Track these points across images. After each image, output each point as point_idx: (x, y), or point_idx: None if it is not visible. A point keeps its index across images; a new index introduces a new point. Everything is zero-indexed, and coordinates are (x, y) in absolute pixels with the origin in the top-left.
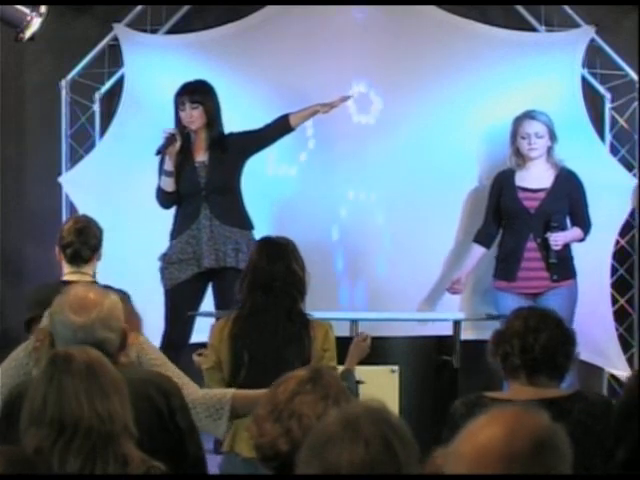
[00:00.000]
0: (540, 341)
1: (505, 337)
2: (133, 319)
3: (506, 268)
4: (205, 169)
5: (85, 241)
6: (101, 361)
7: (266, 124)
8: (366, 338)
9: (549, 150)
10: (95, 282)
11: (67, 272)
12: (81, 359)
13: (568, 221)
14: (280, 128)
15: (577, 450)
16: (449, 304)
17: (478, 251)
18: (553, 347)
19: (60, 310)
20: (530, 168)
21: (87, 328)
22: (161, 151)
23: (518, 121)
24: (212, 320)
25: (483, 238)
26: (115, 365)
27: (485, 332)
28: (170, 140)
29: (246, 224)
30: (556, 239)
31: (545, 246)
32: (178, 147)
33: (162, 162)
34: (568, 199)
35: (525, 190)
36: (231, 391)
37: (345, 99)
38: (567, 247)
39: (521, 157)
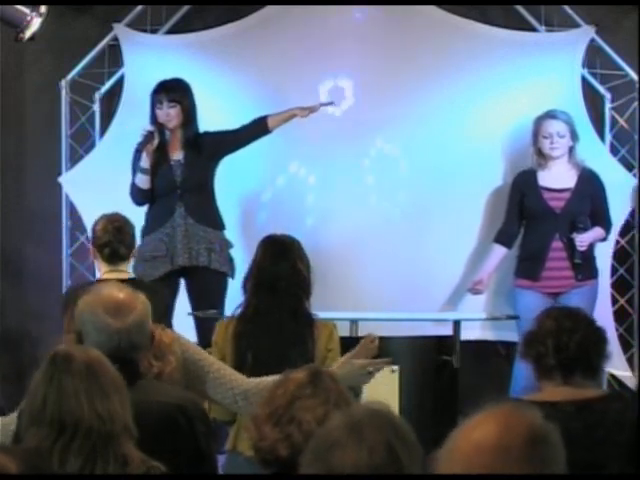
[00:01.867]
0: (575, 340)
1: (538, 337)
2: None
3: (530, 267)
4: (181, 167)
5: (122, 239)
6: (101, 360)
7: (243, 125)
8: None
9: (571, 150)
10: (135, 279)
11: (105, 271)
12: (81, 359)
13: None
14: (257, 129)
15: (615, 450)
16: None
17: (499, 251)
18: (587, 346)
19: (93, 311)
20: (552, 168)
21: (124, 333)
22: (140, 148)
23: (539, 121)
24: (191, 320)
25: (504, 238)
26: (142, 378)
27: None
28: (148, 138)
29: (219, 224)
30: (582, 240)
31: (570, 246)
32: (155, 145)
33: (137, 159)
34: (590, 199)
35: (550, 190)
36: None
37: (325, 104)
38: (591, 247)
39: (543, 157)
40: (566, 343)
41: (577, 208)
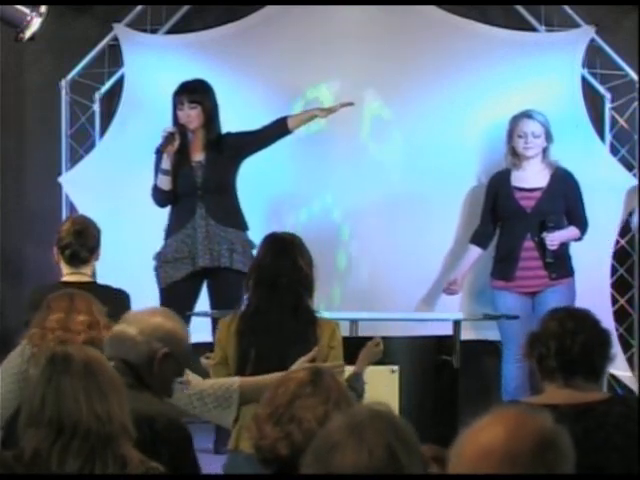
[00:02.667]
0: (577, 343)
1: (541, 338)
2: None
3: (504, 268)
4: (202, 169)
5: (83, 242)
6: (100, 360)
7: (264, 125)
8: (379, 343)
9: (545, 150)
10: (94, 282)
11: (66, 273)
12: (79, 358)
13: (565, 220)
14: (278, 130)
15: (616, 454)
16: (447, 304)
17: (474, 252)
18: (591, 348)
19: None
20: (526, 168)
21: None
22: (160, 150)
23: (515, 120)
24: (208, 320)
25: (480, 239)
26: (130, 387)
27: (483, 332)
28: (169, 139)
29: (241, 225)
30: (552, 239)
31: (542, 245)
32: (177, 146)
33: (159, 161)
34: (564, 198)
35: (521, 190)
36: (237, 379)
37: (346, 105)
38: (565, 246)
39: (517, 156)
40: (569, 345)
41: (548, 207)
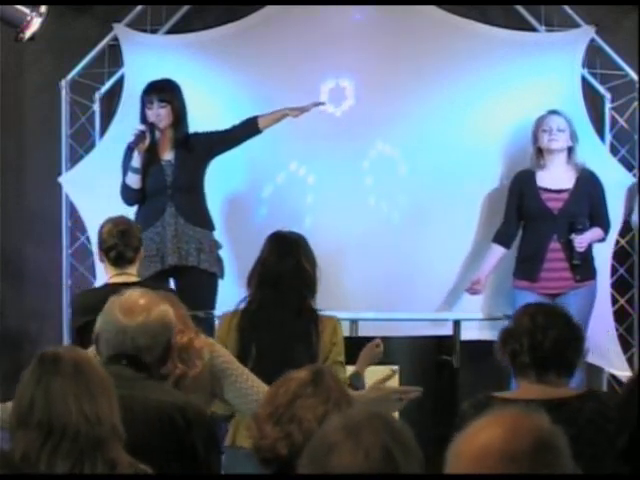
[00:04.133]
0: (549, 338)
1: (513, 335)
2: (188, 321)
3: (528, 268)
4: (171, 167)
5: (128, 243)
6: (89, 361)
7: (234, 125)
8: (379, 344)
9: (570, 151)
10: (140, 282)
11: (112, 275)
12: (69, 359)
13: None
14: (248, 130)
15: (589, 450)
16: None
17: (498, 251)
18: (562, 344)
19: (110, 311)
20: (551, 168)
21: (129, 331)
22: (131, 147)
23: (540, 118)
24: None
25: (503, 238)
26: (150, 379)
27: (485, 332)
28: (140, 137)
29: (209, 224)
30: (581, 241)
31: (569, 247)
32: (147, 144)
33: (127, 159)
34: (589, 200)
35: (548, 191)
36: None
37: (317, 104)
38: (589, 248)
39: (542, 156)
40: (540, 341)
41: (575, 209)
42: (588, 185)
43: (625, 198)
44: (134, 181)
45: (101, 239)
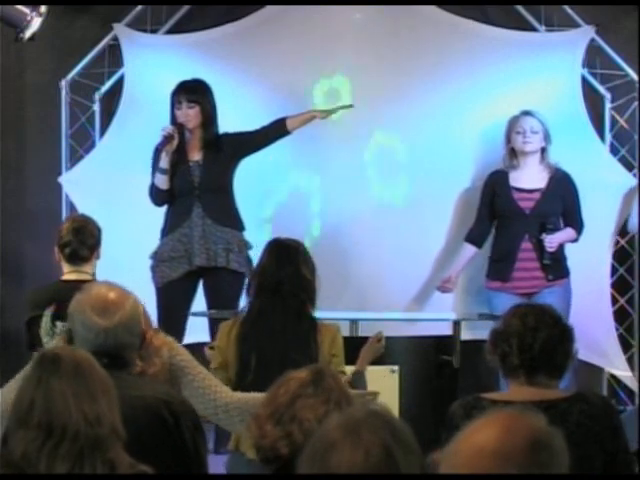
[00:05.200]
0: (539, 340)
1: (503, 336)
2: (147, 320)
3: (501, 268)
4: (199, 168)
5: (83, 240)
6: (89, 361)
7: (262, 126)
8: (381, 339)
9: (543, 151)
10: (94, 281)
11: (66, 271)
12: (69, 359)
13: (561, 221)
14: (276, 131)
15: (577, 452)
16: (440, 303)
17: (469, 250)
18: (552, 345)
19: (81, 310)
20: (524, 168)
21: (110, 332)
22: (159, 148)
23: (514, 119)
24: (205, 320)
25: (475, 237)
26: (128, 374)
27: (481, 332)
28: (168, 138)
29: (238, 225)
30: (551, 241)
31: (540, 247)
32: (175, 145)
33: (156, 160)
34: (562, 200)
35: (520, 190)
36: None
37: (345, 107)
38: (561, 247)
39: (514, 156)
40: (530, 343)
41: (547, 209)
42: (561, 185)
43: (625, 199)
44: (162, 182)
45: (59, 235)
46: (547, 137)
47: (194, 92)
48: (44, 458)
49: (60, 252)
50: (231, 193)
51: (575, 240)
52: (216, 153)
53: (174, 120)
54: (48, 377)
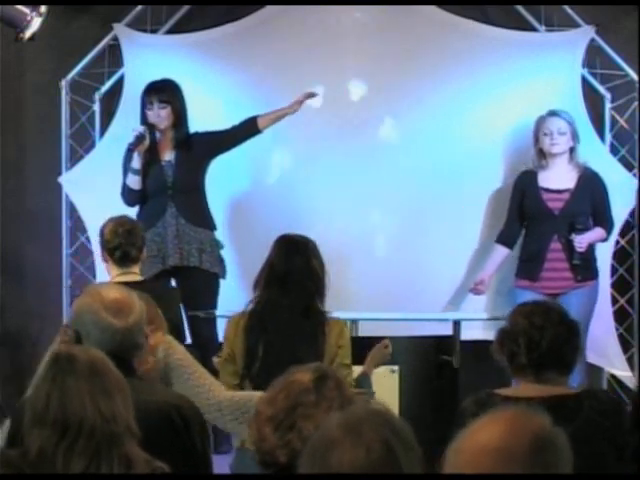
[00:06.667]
0: (546, 338)
1: (510, 335)
2: (158, 318)
3: (529, 268)
4: (172, 168)
5: (133, 242)
6: (104, 361)
7: (233, 125)
8: (388, 345)
9: (571, 151)
10: (145, 281)
11: (116, 274)
12: (84, 359)
13: (591, 221)
14: (247, 130)
15: (588, 448)
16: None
17: (501, 252)
18: (559, 343)
19: (93, 311)
20: (553, 168)
21: (127, 332)
22: (131, 149)
23: (541, 119)
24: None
25: (506, 238)
26: (133, 377)
27: (485, 332)
28: (140, 138)
29: (210, 224)
30: (580, 241)
31: (569, 247)
32: (147, 145)
33: (127, 160)
34: (591, 200)
35: (549, 191)
36: (257, 394)
37: (311, 95)
38: (591, 248)
39: (543, 156)
40: (537, 341)
41: (576, 209)
42: (590, 185)
43: (624, 199)
44: (134, 182)
45: (104, 239)
46: (575, 137)
47: (165, 92)
48: (60, 455)
49: (109, 255)
50: (203, 192)
51: (605, 240)
52: (188, 152)
53: (145, 120)
54: (63, 376)
